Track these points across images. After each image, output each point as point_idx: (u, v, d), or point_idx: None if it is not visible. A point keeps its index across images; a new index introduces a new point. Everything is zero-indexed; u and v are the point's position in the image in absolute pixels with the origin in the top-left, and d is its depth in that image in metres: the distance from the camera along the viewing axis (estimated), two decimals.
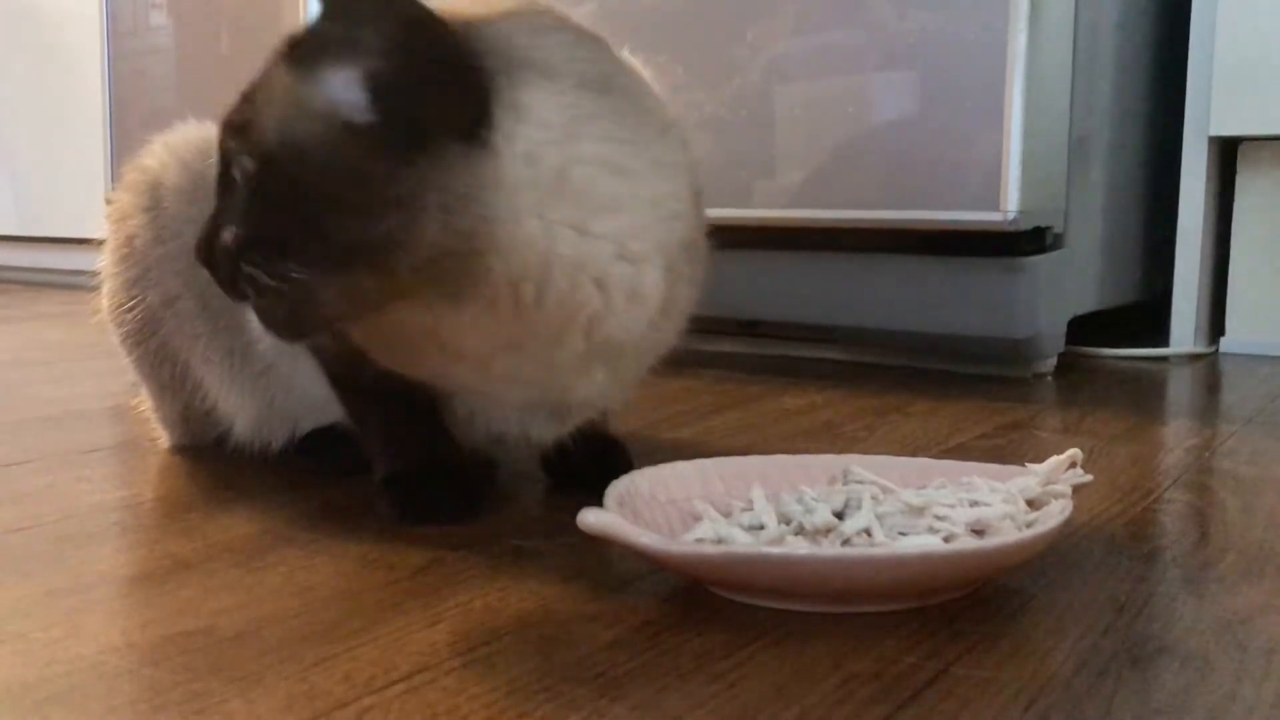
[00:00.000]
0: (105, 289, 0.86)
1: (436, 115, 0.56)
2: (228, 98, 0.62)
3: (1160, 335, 1.50)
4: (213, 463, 0.85)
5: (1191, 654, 0.51)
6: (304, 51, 0.58)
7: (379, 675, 0.47)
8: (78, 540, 0.67)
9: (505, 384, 0.66)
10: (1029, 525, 0.58)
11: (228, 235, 0.59)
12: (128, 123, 2.17)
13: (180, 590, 0.58)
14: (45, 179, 2.54)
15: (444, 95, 0.57)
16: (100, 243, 0.86)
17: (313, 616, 0.54)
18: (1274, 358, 1.46)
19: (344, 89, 0.56)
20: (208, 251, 0.61)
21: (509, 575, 0.60)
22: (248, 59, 0.62)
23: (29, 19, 2.53)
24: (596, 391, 0.66)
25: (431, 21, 0.57)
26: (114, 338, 0.87)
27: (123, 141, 2.15)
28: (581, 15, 0.67)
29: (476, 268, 0.58)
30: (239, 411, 0.84)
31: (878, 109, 1.26)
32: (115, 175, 2.10)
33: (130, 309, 0.83)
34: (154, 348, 0.84)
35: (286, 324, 0.60)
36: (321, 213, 0.56)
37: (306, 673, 0.48)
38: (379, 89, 0.56)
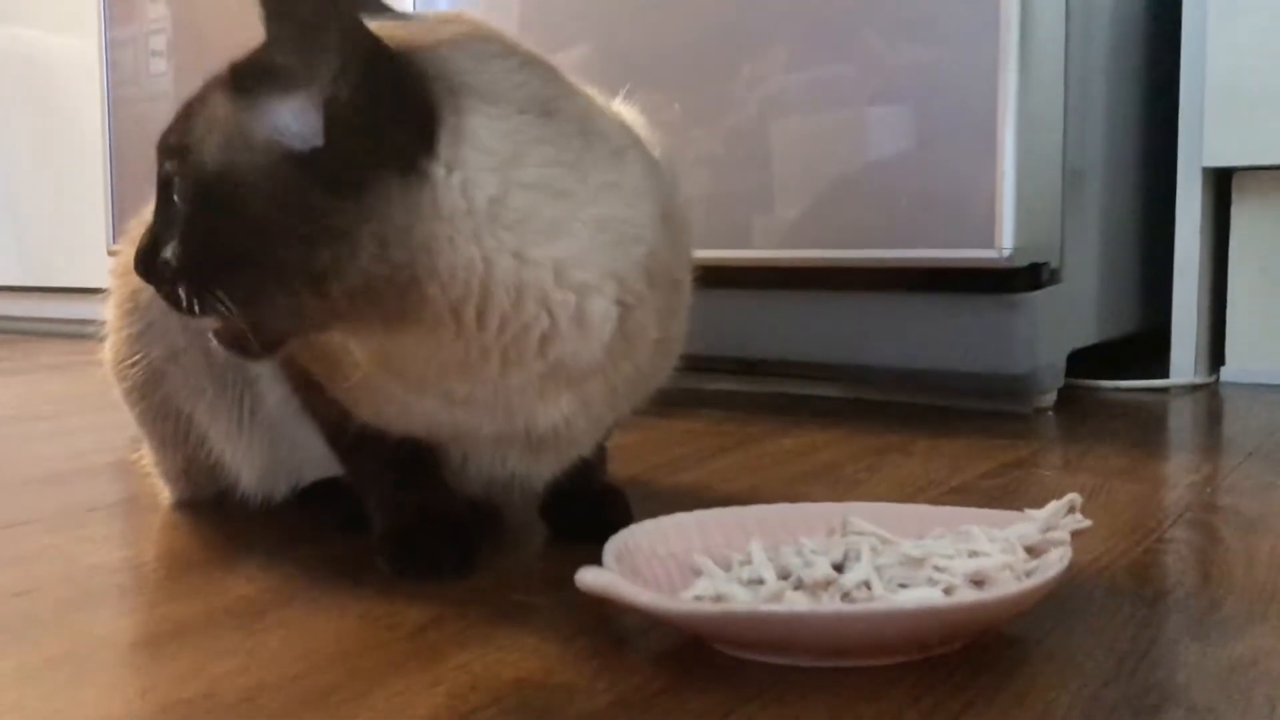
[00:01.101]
0: (109, 343, 0.86)
1: (384, 144, 0.57)
2: None
3: (1160, 366, 1.50)
4: (214, 518, 0.85)
5: (1195, 704, 0.50)
6: (248, 79, 0.58)
7: None
8: (78, 603, 0.67)
9: (468, 411, 0.65)
10: (1028, 574, 0.58)
11: (168, 253, 0.60)
12: (129, 170, 2.18)
13: (180, 655, 0.58)
14: (47, 227, 2.55)
15: (393, 124, 0.57)
16: (104, 293, 0.87)
17: (313, 680, 0.54)
18: (1275, 386, 1.45)
19: (289, 118, 0.57)
20: (147, 265, 0.62)
21: (509, 633, 0.60)
22: None
23: (29, 68, 2.56)
24: (562, 420, 0.66)
25: (384, 50, 0.57)
26: (117, 392, 0.87)
27: (124, 189, 2.16)
28: (577, 56, 0.68)
29: (415, 294, 0.59)
30: (245, 464, 0.84)
31: (871, 147, 1.26)
32: (117, 222, 2.13)
33: (134, 364, 0.83)
34: (157, 402, 0.84)
35: (235, 344, 0.62)
36: (258, 242, 0.57)
37: None
38: (331, 118, 0.56)
